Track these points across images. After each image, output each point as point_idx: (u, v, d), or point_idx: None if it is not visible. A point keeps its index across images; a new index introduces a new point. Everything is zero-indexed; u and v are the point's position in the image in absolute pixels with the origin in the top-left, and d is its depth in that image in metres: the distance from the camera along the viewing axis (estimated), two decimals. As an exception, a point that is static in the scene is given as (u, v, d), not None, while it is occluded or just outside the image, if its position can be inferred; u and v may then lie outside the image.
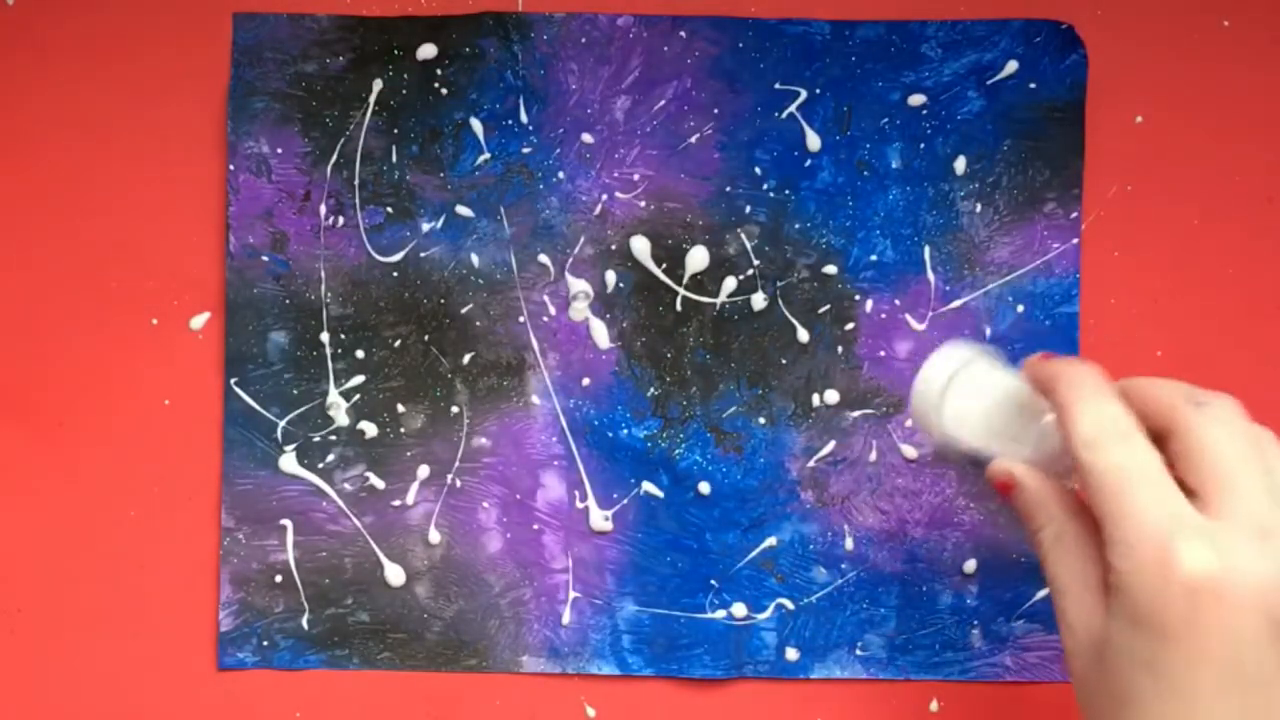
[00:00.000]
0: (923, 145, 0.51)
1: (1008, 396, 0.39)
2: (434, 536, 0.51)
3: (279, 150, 0.51)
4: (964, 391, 0.39)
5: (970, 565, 0.51)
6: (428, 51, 0.51)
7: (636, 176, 0.51)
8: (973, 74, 0.51)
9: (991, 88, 0.51)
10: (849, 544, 0.51)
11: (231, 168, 0.51)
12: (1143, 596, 0.30)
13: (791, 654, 0.51)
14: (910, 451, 0.51)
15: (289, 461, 0.51)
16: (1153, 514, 0.31)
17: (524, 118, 0.51)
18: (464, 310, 0.51)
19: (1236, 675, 0.29)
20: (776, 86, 0.51)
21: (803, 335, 0.51)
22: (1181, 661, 0.29)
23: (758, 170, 0.51)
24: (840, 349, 0.51)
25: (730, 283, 0.51)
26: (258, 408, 0.51)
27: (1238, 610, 0.29)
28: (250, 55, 0.51)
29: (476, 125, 0.51)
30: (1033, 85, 0.51)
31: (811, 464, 0.51)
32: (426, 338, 0.51)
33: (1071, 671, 0.34)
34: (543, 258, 0.51)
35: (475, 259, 0.51)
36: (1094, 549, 0.33)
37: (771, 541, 0.51)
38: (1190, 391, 0.34)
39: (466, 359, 0.51)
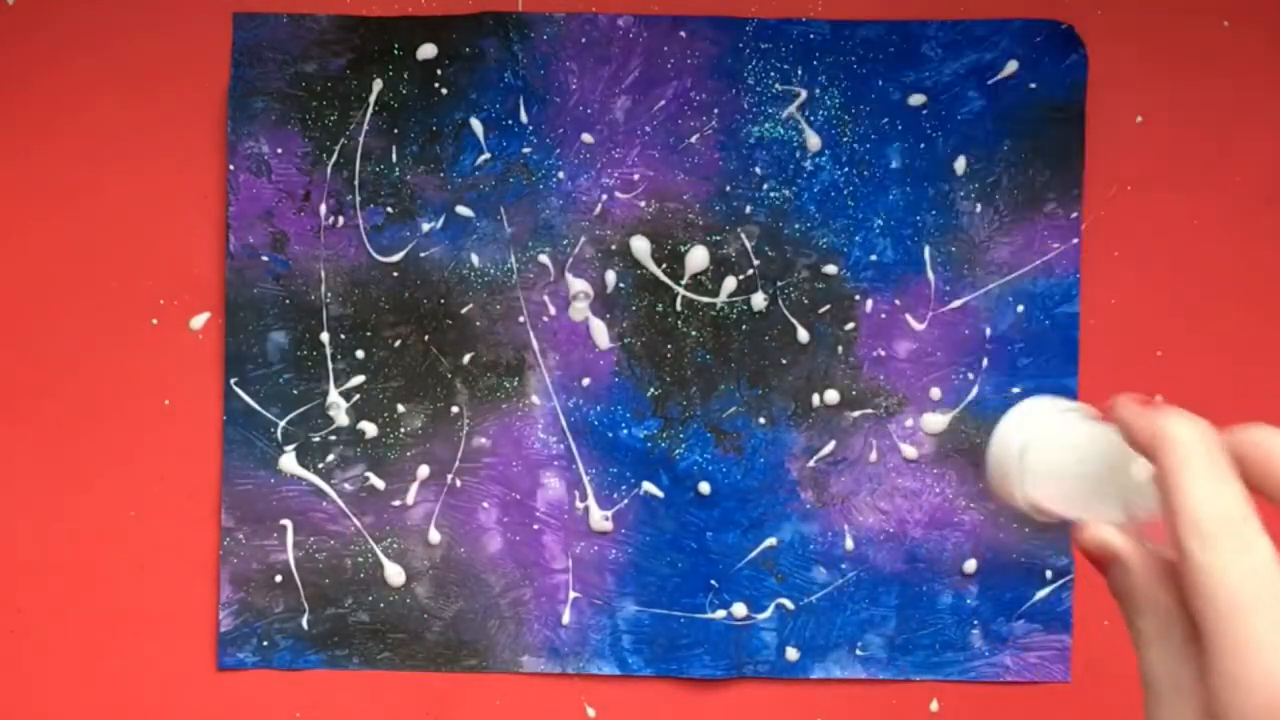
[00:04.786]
0: (923, 145, 0.51)
1: (1097, 450, 0.33)
2: (434, 536, 0.51)
3: (279, 150, 0.51)
4: (1045, 448, 0.34)
5: (970, 565, 0.51)
6: (428, 51, 0.51)
7: (636, 176, 0.51)
8: (973, 74, 0.51)
9: (992, 88, 0.51)
10: (849, 544, 0.51)
11: (231, 168, 0.51)
12: None
13: (791, 654, 0.51)
14: (910, 451, 0.51)
15: (289, 461, 0.51)
16: (1273, 651, 0.26)
17: (524, 118, 0.51)
18: (464, 310, 0.51)
19: None
20: (776, 87, 0.51)
21: (803, 335, 0.51)
22: None
23: (758, 170, 0.51)
24: (840, 349, 0.51)
25: (730, 283, 0.51)
26: (258, 408, 0.51)
27: None
28: (250, 55, 0.51)
29: (476, 125, 0.51)
30: (1033, 85, 0.51)
31: (811, 464, 0.51)
32: (426, 338, 0.51)
33: None
34: (543, 258, 0.51)
35: (475, 259, 0.51)
36: (1197, 656, 0.28)
37: (771, 541, 0.51)
38: None
39: (466, 359, 0.51)
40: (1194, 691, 0.28)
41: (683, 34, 0.51)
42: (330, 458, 0.51)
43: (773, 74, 0.51)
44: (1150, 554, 0.30)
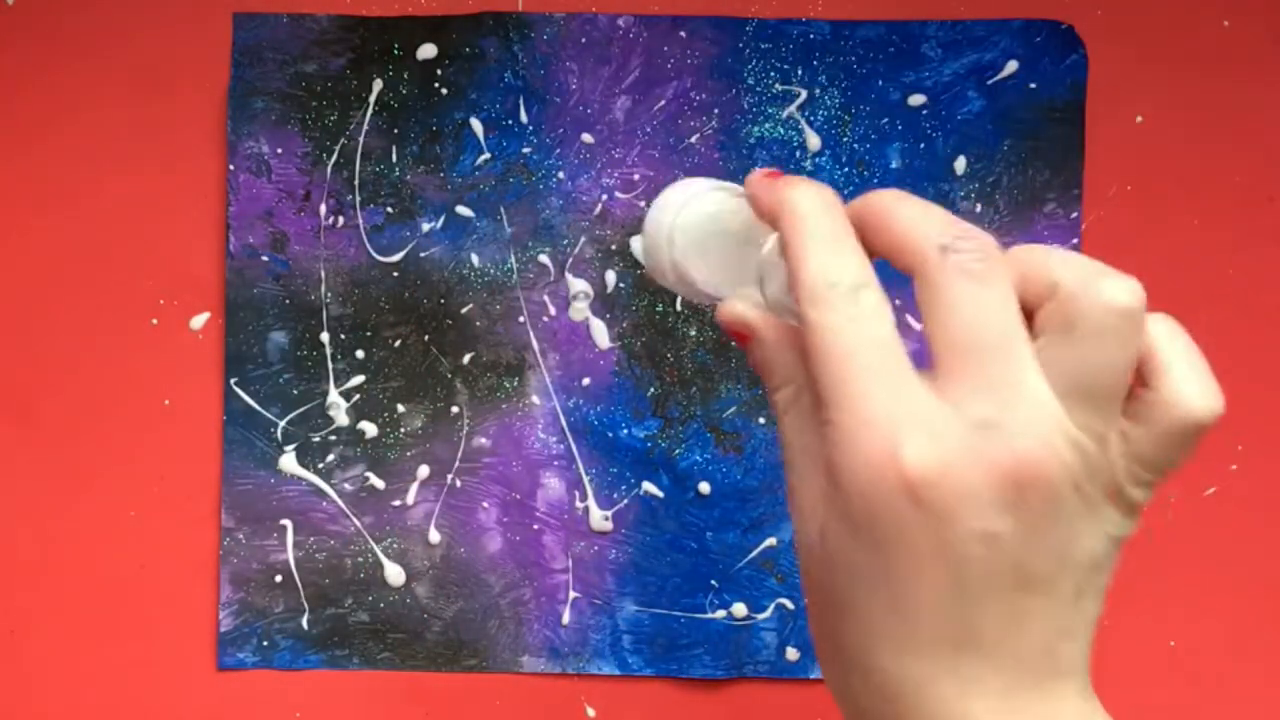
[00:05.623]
0: (923, 145, 0.51)
1: (735, 226, 0.32)
2: (434, 536, 0.51)
3: (279, 150, 0.51)
4: (691, 224, 0.33)
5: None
6: (428, 51, 0.51)
7: (636, 176, 0.51)
8: (973, 74, 0.51)
9: (991, 88, 0.51)
10: (849, 544, 0.51)
11: (231, 168, 0.51)
12: (859, 499, 0.26)
13: (792, 654, 0.51)
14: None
15: (289, 461, 0.51)
16: (878, 398, 0.25)
17: (524, 118, 0.51)
18: (464, 310, 0.51)
19: (956, 590, 0.25)
20: (776, 87, 0.51)
21: (803, 335, 0.51)
22: (898, 574, 0.26)
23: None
24: (840, 349, 0.51)
25: (730, 283, 0.51)
26: (258, 408, 0.51)
27: (951, 520, 0.25)
28: (250, 55, 0.51)
29: (476, 125, 0.51)
30: (1033, 85, 0.51)
31: (811, 464, 0.51)
32: (426, 338, 0.51)
33: (800, 561, 0.29)
34: (543, 258, 0.51)
35: (475, 259, 0.51)
36: (822, 421, 0.27)
37: (772, 541, 0.51)
38: (942, 226, 0.27)
39: (466, 359, 0.51)
40: (819, 454, 0.27)
41: (683, 34, 0.51)
42: (330, 458, 0.51)
43: (773, 74, 0.51)
44: (783, 326, 0.30)
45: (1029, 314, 0.26)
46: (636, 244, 0.51)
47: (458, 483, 0.51)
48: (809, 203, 0.28)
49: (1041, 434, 0.25)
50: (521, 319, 0.51)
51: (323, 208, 0.51)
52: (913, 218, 0.27)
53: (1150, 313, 0.27)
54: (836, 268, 0.27)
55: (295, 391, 0.51)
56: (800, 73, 0.51)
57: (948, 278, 0.26)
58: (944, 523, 0.25)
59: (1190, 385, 0.26)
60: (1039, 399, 0.25)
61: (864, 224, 0.28)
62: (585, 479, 0.51)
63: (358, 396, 0.51)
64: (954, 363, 0.26)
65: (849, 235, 0.28)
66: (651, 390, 0.51)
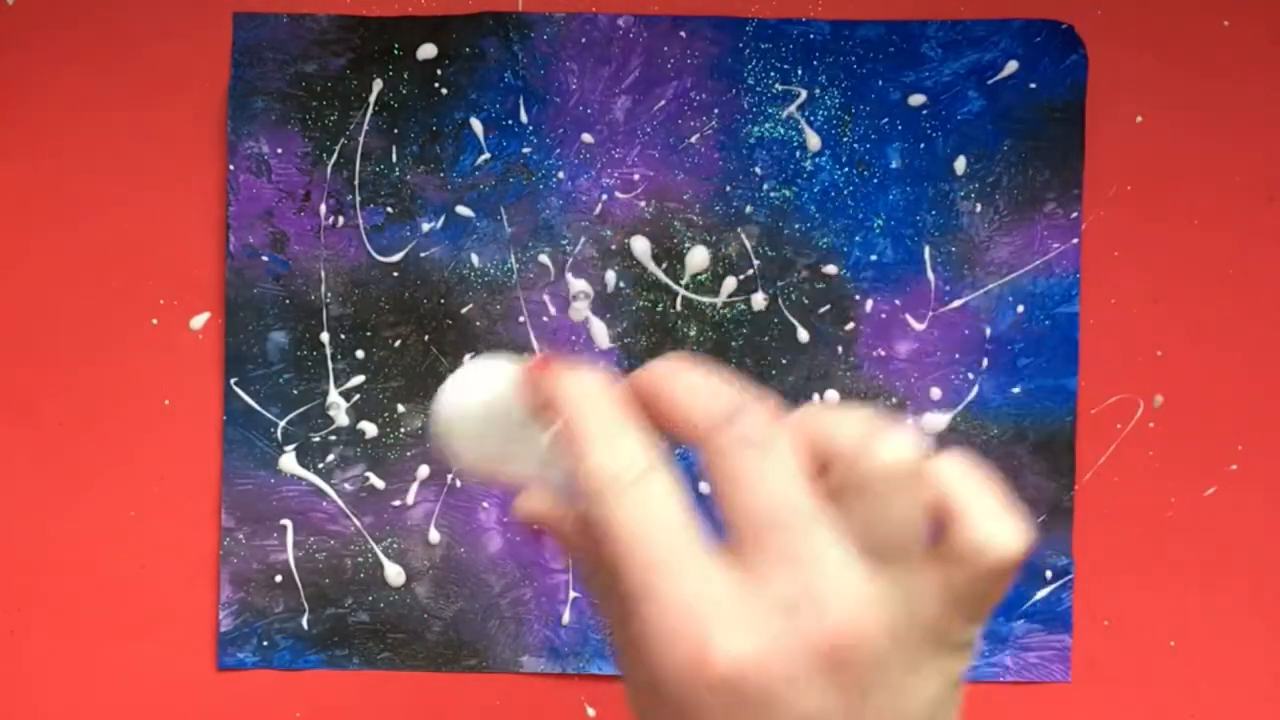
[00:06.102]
0: (923, 145, 0.51)
1: (514, 416, 0.32)
2: (434, 536, 0.51)
3: (279, 150, 0.51)
4: (469, 413, 0.32)
5: (970, 565, 0.51)
6: (428, 51, 0.51)
7: (636, 176, 0.51)
8: (973, 74, 0.51)
9: (991, 88, 0.51)
10: (849, 544, 0.51)
11: (231, 168, 0.51)
12: (676, 690, 0.25)
13: (791, 654, 0.50)
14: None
15: (289, 461, 0.51)
16: (680, 589, 0.25)
17: (524, 118, 0.51)
18: (464, 310, 0.51)
19: None
20: (776, 87, 0.51)
21: (803, 335, 0.51)
22: None
23: (758, 170, 0.51)
24: (840, 349, 0.51)
25: (730, 283, 0.51)
26: (258, 408, 0.51)
27: (774, 707, 0.24)
28: (250, 55, 0.51)
29: (476, 125, 0.51)
30: (1033, 85, 0.51)
31: (811, 464, 0.51)
32: (426, 338, 0.51)
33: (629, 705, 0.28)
34: (543, 258, 0.51)
35: (475, 259, 0.51)
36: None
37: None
38: (721, 399, 0.27)
39: (466, 359, 0.51)
40: (636, 636, 0.26)
41: (683, 34, 0.51)
42: (330, 458, 0.51)
43: (773, 74, 0.51)
44: (576, 514, 0.29)
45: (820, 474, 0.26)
46: (637, 244, 0.51)
47: (458, 483, 0.51)
48: (581, 393, 0.28)
49: (849, 603, 0.24)
50: (521, 319, 0.51)
51: (323, 208, 0.51)
52: (692, 391, 0.27)
53: (938, 455, 0.27)
54: (618, 457, 0.27)
55: (295, 391, 0.51)
56: (800, 73, 0.51)
57: (732, 452, 0.26)
58: (768, 710, 0.24)
59: (987, 527, 0.26)
60: (839, 567, 0.25)
61: (644, 398, 0.28)
62: (585, 479, 0.51)
63: (358, 396, 0.51)
64: (749, 537, 0.25)
65: (626, 421, 0.28)
66: (651, 390, 0.51)
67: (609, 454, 0.27)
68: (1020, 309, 0.51)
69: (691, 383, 0.27)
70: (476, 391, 0.32)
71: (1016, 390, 0.51)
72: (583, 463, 0.27)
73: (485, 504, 0.51)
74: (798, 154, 0.51)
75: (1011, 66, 0.51)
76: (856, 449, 0.26)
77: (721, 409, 0.26)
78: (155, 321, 0.51)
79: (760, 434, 0.26)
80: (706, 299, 0.51)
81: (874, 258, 0.51)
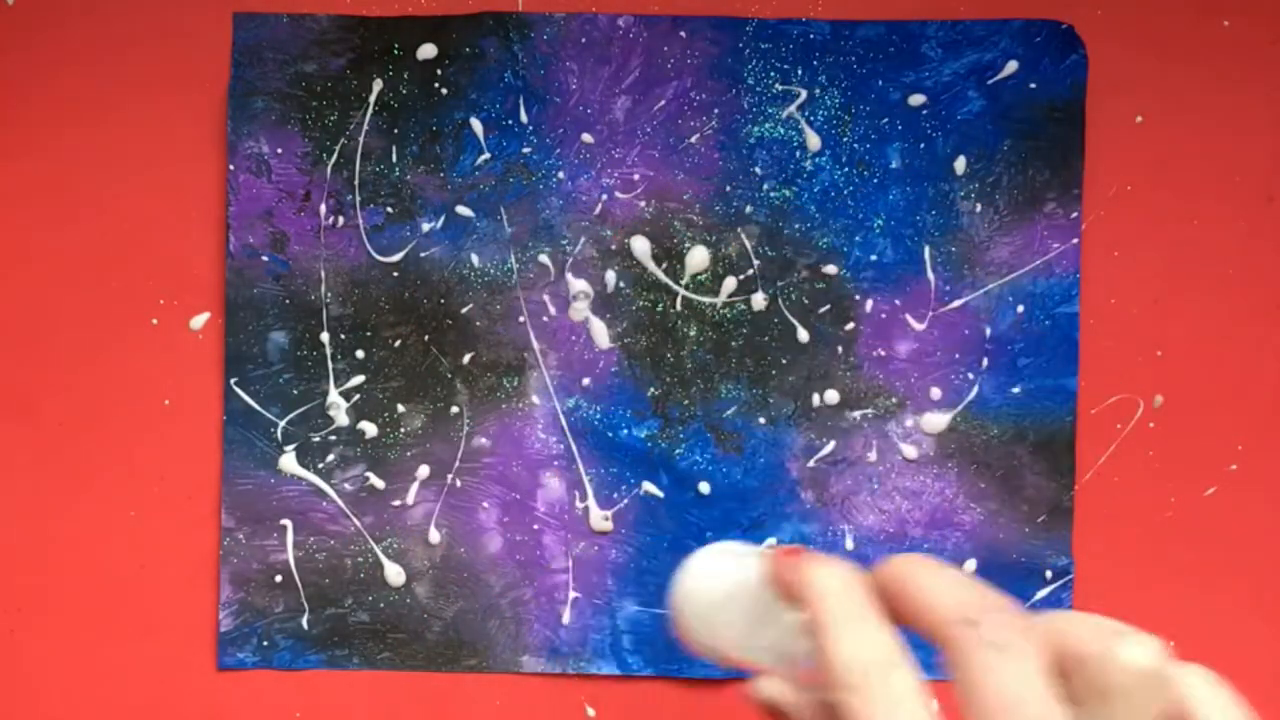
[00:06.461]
0: (923, 145, 0.51)
1: (755, 603, 0.33)
2: (434, 536, 0.51)
3: (279, 150, 0.51)
4: (709, 599, 0.34)
5: (970, 565, 0.51)
6: (428, 51, 0.51)
7: (636, 176, 0.51)
8: (973, 74, 0.51)
9: (991, 88, 0.51)
10: (849, 544, 0.51)
11: (231, 168, 0.51)
12: None
13: (791, 654, 0.51)
14: (910, 451, 0.51)
15: (289, 461, 0.51)
16: None
17: (524, 118, 0.51)
18: (464, 310, 0.51)
19: None
20: (776, 87, 0.51)
21: (803, 335, 0.51)
22: None
23: (758, 170, 0.51)
24: (840, 349, 0.51)
25: (730, 283, 0.51)
26: (258, 408, 0.51)
27: None
28: (250, 55, 0.51)
29: (476, 125, 0.51)
30: (1033, 85, 0.51)
31: (811, 464, 0.51)
32: (426, 338, 0.51)
33: None
34: (543, 258, 0.51)
35: (475, 259, 0.51)
36: None
37: (772, 542, 0.51)
38: (968, 598, 0.27)
39: (466, 359, 0.51)
40: None
41: (683, 34, 0.51)
42: (330, 458, 0.51)
43: (773, 74, 0.51)
44: (816, 705, 0.30)
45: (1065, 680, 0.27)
46: (637, 244, 0.51)
47: (458, 483, 0.51)
48: (833, 583, 0.29)
49: None
50: (521, 319, 0.51)
51: (323, 208, 0.51)
52: (937, 589, 0.28)
53: (1181, 664, 0.28)
54: (868, 649, 0.28)
55: (295, 391, 0.51)
56: (800, 73, 0.51)
57: (978, 654, 0.26)
58: None
59: None
60: None
61: (888, 593, 0.29)
62: (585, 479, 0.51)
63: (358, 396, 0.51)
64: None
65: (874, 614, 0.28)
66: (651, 390, 0.51)
67: (859, 646, 0.28)
68: (1020, 309, 0.51)
69: (938, 579, 0.28)
70: (721, 578, 0.34)
71: (1016, 390, 0.51)
72: (832, 654, 0.28)
73: (485, 504, 0.51)
74: (798, 154, 0.51)
75: (1011, 66, 0.51)
76: (1101, 653, 0.27)
77: (968, 608, 0.27)
78: (155, 321, 0.51)
79: (1005, 636, 0.26)
80: (706, 299, 0.51)
81: (874, 258, 0.51)
